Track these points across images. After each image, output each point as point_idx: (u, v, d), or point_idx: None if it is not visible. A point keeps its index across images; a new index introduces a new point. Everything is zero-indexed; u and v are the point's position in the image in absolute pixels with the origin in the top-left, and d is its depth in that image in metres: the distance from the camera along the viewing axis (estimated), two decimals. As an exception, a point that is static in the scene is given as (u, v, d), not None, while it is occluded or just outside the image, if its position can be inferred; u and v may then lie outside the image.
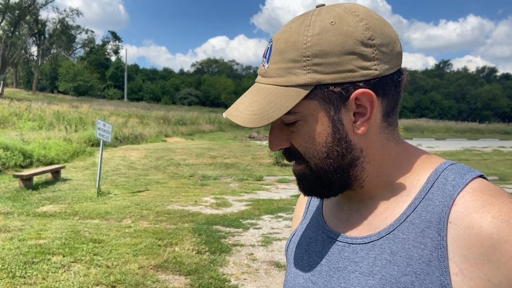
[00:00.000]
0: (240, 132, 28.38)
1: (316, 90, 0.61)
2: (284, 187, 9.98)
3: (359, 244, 0.65)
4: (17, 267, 4.20)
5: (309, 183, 0.67)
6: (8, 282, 3.88)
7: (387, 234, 0.63)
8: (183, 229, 5.94)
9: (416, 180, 0.65)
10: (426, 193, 0.62)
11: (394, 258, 0.60)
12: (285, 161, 13.56)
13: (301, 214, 0.83)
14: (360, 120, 0.62)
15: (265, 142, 19.63)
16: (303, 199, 0.85)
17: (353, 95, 0.61)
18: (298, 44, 0.61)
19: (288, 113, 0.62)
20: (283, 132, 0.66)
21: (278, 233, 5.96)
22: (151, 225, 6.16)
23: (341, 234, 0.68)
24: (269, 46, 0.65)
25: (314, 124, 0.63)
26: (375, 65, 0.61)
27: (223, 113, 0.66)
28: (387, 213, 0.65)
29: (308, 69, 0.61)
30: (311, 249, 0.72)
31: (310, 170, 0.66)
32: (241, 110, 0.64)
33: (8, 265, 4.24)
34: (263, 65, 0.66)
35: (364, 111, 0.62)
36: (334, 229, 0.70)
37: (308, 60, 0.61)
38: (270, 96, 0.62)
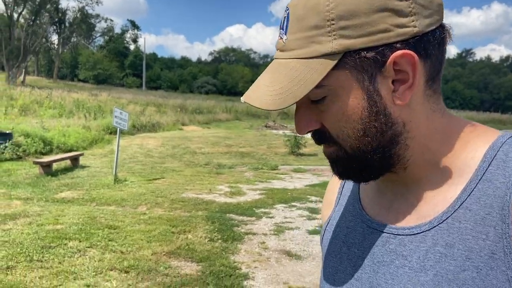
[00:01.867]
0: (257, 121, 28.37)
1: (345, 59, 0.53)
2: (299, 177, 9.97)
3: (406, 235, 0.57)
4: (34, 251, 4.32)
5: (345, 166, 0.59)
6: (25, 265, 4.00)
7: (439, 223, 0.55)
8: (197, 217, 6.00)
9: (470, 158, 0.56)
10: (484, 173, 0.54)
11: (450, 251, 0.53)
12: (301, 151, 13.53)
13: (334, 200, 0.75)
14: (401, 88, 0.54)
15: (281, 132, 19.61)
16: (335, 183, 0.77)
17: (390, 59, 0.53)
18: (319, 7, 0.53)
19: (315, 87, 0.54)
20: (312, 112, 0.58)
21: (291, 222, 5.98)
22: (166, 213, 6.25)
23: (384, 224, 0.61)
24: (285, 15, 0.57)
25: (346, 98, 0.55)
26: (413, 21, 0.53)
27: (241, 98, 0.58)
28: (438, 198, 0.57)
29: (334, 35, 0.53)
30: (349, 240, 0.65)
31: (345, 152, 0.58)
32: (261, 92, 0.56)
33: (26, 249, 4.37)
34: (281, 38, 0.58)
35: (405, 77, 0.54)
36: (375, 218, 0.63)
37: (333, 24, 0.53)
38: (292, 72, 0.54)
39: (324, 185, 8.82)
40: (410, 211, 0.59)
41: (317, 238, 5.28)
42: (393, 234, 0.59)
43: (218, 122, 27.32)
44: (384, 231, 0.60)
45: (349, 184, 0.72)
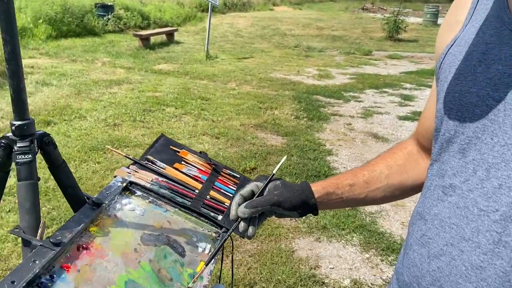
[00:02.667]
0: (353, 3, 26.22)
1: None
2: (395, 63, 9.35)
3: None
4: (137, 113, 4.76)
5: None
6: (130, 124, 4.46)
7: None
8: (284, 96, 6.05)
9: None
10: None
11: None
12: (400, 36, 12.46)
13: (462, 19, 0.62)
14: None
15: (379, 15, 18.03)
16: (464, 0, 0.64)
17: None
18: None
19: None
20: None
21: (380, 107, 5.78)
22: (254, 90, 6.37)
23: None
24: None
25: None
26: None
27: None
28: None
29: None
30: (490, 57, 0.54)
31: None
32: None
33: (130, 111, 4.83)
34: None
35: None
36: None
37: None
38: None
39: (421, 72, 8.21)
40: None
41: (407, 123, 5.09)
42: None
43: (311, 3, 25.78)
44: None
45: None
